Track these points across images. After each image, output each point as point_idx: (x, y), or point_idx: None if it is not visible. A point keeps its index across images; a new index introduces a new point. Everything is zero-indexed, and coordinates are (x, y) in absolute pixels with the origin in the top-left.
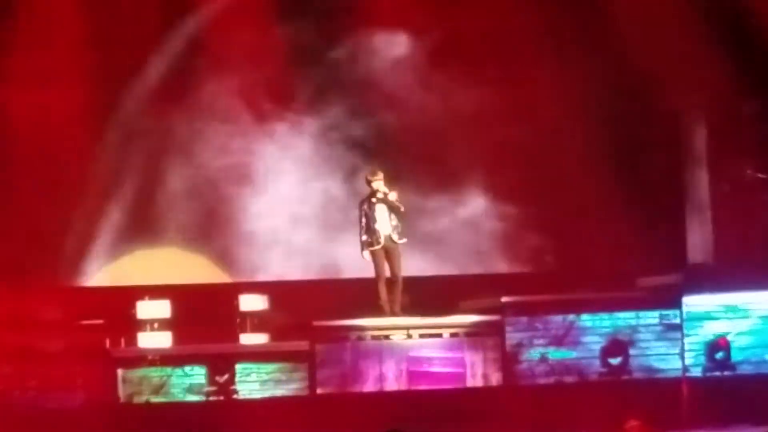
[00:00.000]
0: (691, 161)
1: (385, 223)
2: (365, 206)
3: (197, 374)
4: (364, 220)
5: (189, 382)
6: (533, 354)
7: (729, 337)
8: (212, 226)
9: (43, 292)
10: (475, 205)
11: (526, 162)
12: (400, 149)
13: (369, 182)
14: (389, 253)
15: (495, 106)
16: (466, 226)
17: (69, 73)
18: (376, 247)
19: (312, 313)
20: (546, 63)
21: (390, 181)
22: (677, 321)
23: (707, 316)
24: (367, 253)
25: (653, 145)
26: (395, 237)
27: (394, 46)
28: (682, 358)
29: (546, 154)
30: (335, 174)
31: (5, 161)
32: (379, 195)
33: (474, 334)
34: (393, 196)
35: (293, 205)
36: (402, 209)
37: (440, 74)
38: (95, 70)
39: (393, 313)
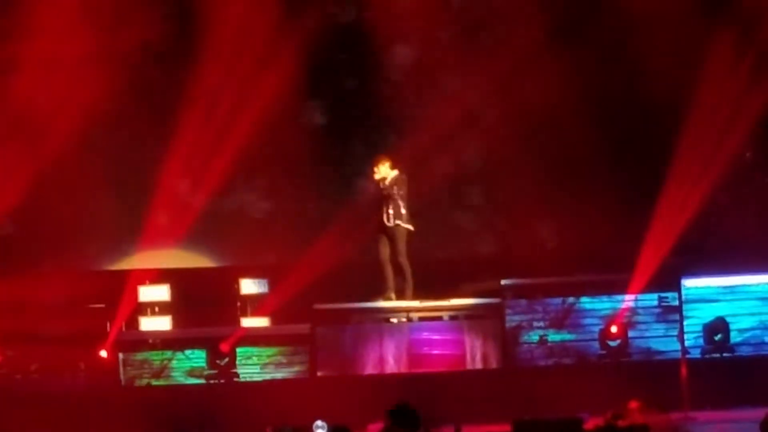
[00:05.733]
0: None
1: (383, 208)
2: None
3: (198, 357)
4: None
5: (190, 366)
6: (533, 336)
7: (727, 319)
8: None
9: (45, 276)
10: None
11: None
12: None
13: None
14: (389, 237)
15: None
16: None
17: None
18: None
19: (312, 296)
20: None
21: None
22: (676, 303)
23: (706, 298)
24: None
25: (649, 127)
26: (387, 221)
27: None
28: (681, 340)
29: (546, 135)
30: None
31: (11, 149)
32: (383, 184)
33: (474, 316)
34: (394, 179)
35: None
36: (395, 194)
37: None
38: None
39: (392, 298)
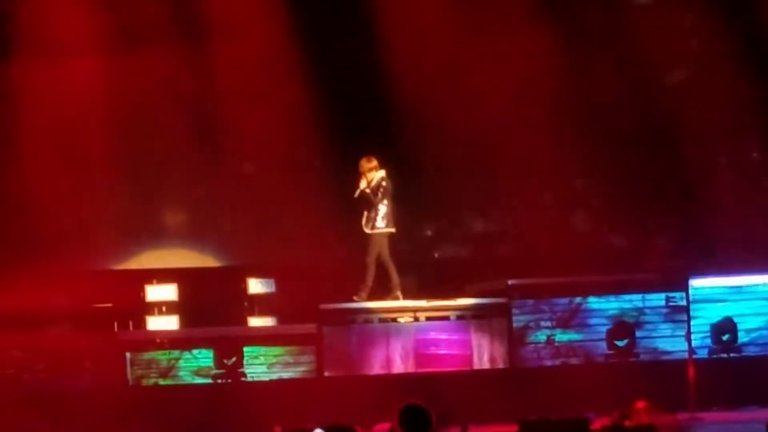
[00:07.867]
0: (692, 143)
1: (364, 212)
2: None
3: (205, 357)
4: None
5: (197, 365)
6: (539, 336)
7: (735, 320)
8: None
9: (53, 276)
10: None
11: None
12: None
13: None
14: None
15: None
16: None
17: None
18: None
19: (319, 296)
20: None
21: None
22: (683, 303)
23: (713, 298)
24: None
25: (656, 126)
26: (364, 226)
27: None
28: (689, 340)
29: (552, 136)
30: None
31: (19, 146)
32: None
33: (481, 316)
34: (377, 184)
35: None
36: (372, 197)
37: None
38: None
39: (399, 297)
